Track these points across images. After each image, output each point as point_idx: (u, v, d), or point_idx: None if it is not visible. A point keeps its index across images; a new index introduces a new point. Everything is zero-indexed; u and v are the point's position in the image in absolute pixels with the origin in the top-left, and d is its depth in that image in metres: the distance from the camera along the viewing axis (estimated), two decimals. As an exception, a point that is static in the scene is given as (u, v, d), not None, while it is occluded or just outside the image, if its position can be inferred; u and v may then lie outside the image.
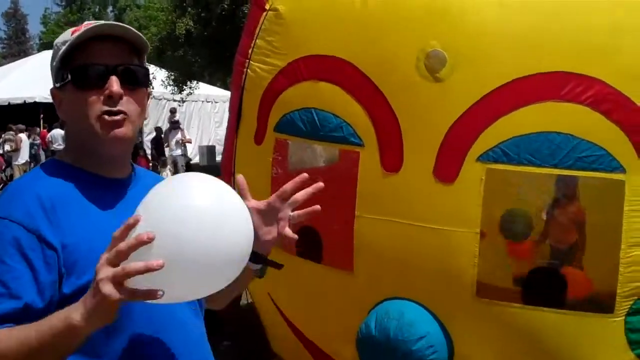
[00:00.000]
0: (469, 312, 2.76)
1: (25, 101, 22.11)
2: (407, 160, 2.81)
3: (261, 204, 1.63)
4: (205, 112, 23.49)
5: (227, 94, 24.32)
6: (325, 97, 3.01)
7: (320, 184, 1.66)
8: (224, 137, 3.80)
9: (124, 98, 1.53)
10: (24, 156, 16.31)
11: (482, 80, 2.70)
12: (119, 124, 1.52)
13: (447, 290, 2.78)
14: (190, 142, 18.74)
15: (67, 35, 1.56)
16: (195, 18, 14.37)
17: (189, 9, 14.59)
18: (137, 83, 1.57)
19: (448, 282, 2.77)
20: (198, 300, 1.64)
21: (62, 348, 1.31)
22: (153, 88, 18.08)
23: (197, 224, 1.28)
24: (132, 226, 1.26)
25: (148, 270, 1.20)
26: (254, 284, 3.68)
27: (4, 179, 15.95)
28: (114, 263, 1.23)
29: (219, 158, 13.97)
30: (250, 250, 1.39)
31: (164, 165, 16.32)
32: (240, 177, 1.64)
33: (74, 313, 1.27)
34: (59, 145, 21.85)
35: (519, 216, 2.71)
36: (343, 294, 3.07)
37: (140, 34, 1.59)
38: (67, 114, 1.59)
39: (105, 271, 1.23)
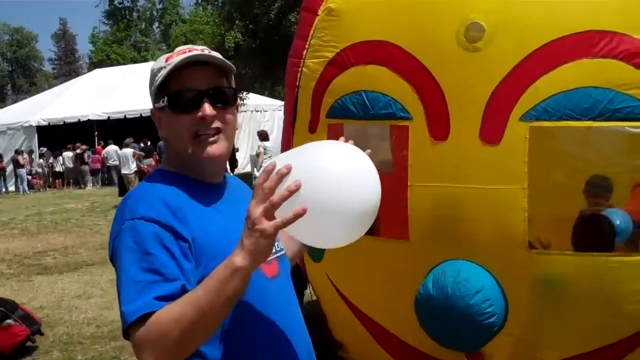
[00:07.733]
0: (522, 264, 2.90)
1: (79, 120, 22.46)
2: (454, 127, 3.01)
3: None
4: (254, 122, 23.70)
5: (275, 102, 24.46)
6: (373, 78, 3.23)
7: None
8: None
9: (217, 117, 1.68)
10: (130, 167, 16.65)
11: (519, 45, 2.90)
12: (213, 142, 1.67)
13: (499, 246, 2.92)
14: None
15: (162, 62, 1.71)
16: (243, 30, 14.71)
17: (237, 21, 14.90)
18: (227, 102, 1.72)
19: (500, 238, 2.91)
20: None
21: (231, 293, 1.43)
22: (242, 100, 18.45)
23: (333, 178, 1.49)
24: (284, 175, 1.44)
25: (290, 193, 1.40)
26: (313, 268, 3.85)
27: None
28: (267, 208, 1.41)
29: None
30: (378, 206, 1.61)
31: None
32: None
33: (235, 258, 1.42)
34: (114, 161, 21.97)
35: (564, 168, 2.87)
36: (400, 263, 3.23)
37: (224, 59, 1.72)
38: (166, 133, 1.73)
39: (257, 211, 1.41)
